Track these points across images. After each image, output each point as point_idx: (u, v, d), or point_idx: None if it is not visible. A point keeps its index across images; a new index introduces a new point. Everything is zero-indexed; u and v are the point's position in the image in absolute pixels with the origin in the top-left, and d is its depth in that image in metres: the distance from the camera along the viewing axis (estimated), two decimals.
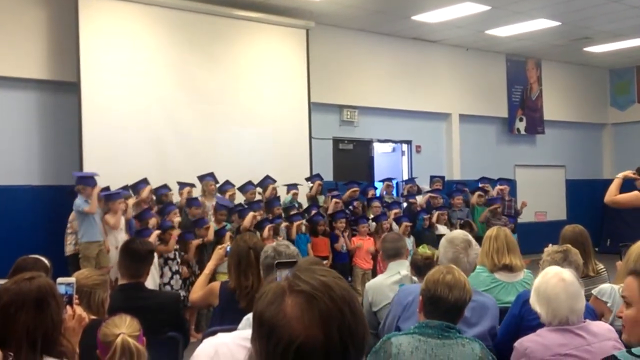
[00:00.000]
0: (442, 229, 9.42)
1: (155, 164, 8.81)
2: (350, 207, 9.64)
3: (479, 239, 3.98)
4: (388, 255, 4.70)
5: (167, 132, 9.14)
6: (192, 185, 8.61)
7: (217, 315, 3.77)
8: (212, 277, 4.64)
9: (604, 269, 4.36)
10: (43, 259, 3.61)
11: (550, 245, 3.87)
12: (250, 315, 1.82)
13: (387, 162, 12.69)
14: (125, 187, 8.00)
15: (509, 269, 4.11)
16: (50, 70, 8.61)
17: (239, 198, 8.98)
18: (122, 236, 7.41)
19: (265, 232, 7.85)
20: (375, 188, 10.58)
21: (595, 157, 15.75)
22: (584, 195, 14.65)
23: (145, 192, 8.00)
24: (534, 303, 2.84)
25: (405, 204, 10.39)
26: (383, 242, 4.90)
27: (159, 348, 3.17)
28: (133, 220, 7.78)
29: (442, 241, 3.57)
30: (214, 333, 2.42)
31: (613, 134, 15.95)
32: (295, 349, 1.15)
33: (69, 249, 7.61)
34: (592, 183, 14.99)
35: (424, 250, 4.16)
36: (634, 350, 2.12)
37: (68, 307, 2.53)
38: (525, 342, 2.80)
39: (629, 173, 5.54)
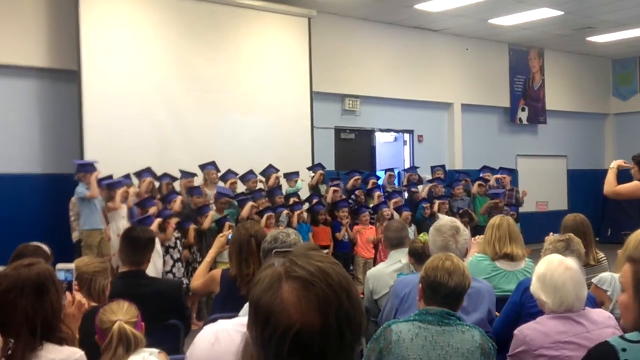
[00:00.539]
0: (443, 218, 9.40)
1: (157, 152, 8.81)
2: (353, 196, 9.64)
3: (479, 229, 3.97)
4: (391, 245, 4.72)
5: (168, 120, 9.13)
6: (194, 175, 8.61)
7: (219, 303, 3.77)
8: (213, 267, 4.65)
9: (605, 258, 4.36)
10: (44, 246, 3.63)
11: (552, 234, 3.86)
12: None
13: (389, 151, 12.68)
14: (127, 176, 8.01)
15: (510, 258, 4.11)
16: (51, 58, 8.59)
17: (241, 188, 8.98)
18: (123, 224, 7.43)
19: (263, 221, 7.83)
20: (378, 178, 10.57)
21: (597, 147, 15.71)
22: (586, 186, 14.63)
23: (144, 185, 8.00)
24: (538, 291, 2.83)
25: (406, 194, 10.39)
26: (386, 231, 4.91)
27: (160, 335, 3.17)
28: (135, 208, 7.79)
29: (431, 230, 3.57)
30: (215, 320, 2.42)
31: (615, 125, 15.90)
32: (293, 336, 1.14)
33: (74, 235, 7.65)
34: (594, 173, 14.94)
35: (426, 237, 4.15)
36: (627, 335, 2.13)
37: (68, 293, 2.53)
38: (525, 330, 2.81)
39: (621, 162, 5.54)
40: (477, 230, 8.86)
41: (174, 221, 7.54)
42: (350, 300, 1.19)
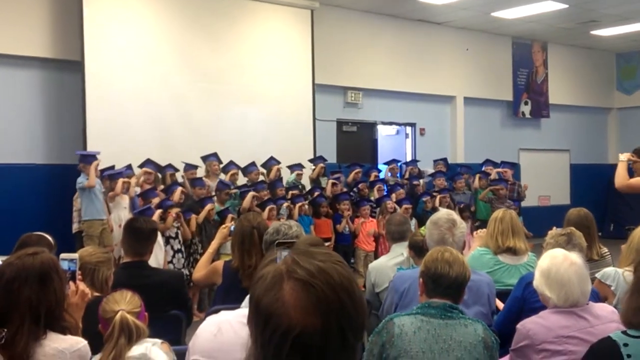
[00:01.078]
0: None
1: (159, 143, 8.81)
2: (355, 189, 9.64)
3: (480, 223, 3.97)
4: (393, 238, 4.73)
5: (171, 111, 9.12)
6: (197, 167, 8.61)
7: (220, 294, 3.78)
8: (216, 258, 4.66)
9: (608, 253, 4.35)
10: (47, 236, 3.63)
11: (554, 228, 3.85)
12: None
13: (391, 144, 12.67)
14: (129, 166, 8.01)
15: (512, 251, 4.11)
16: (54, 48, 8.57)
17: (243, 179, 8.98)
18: (125, 214, 7.44)
19: (266, 213, 7.84)
20: (379, 170, 10.56)
21: (600, 141, 15.67)
22: (588, 180, 14.61)
23: (139, 175, 7.98)
24: (542, 286, 2.82)
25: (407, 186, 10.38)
26: (388, 224, 4.92)
27: (162, 326, 3.17)
28: (136, 199, 7.80)
29: (427, 223, 3.56)
30: (217, 311, 2.42)
31: (619, 119, 15.86)
32: (293, 338, 1.14)
33: (74, 227, 7.67)
34: (597, 168, 14.95)
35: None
36: (628, 330, 2.14)
37: (71, 282, 2.53)
38: (527, 324, 2.80)
39: (629, 155, 5.50)
40: (479, 224, 8.88)
41: (174, 210, 7.53)
42: (352, 301, 1.18)
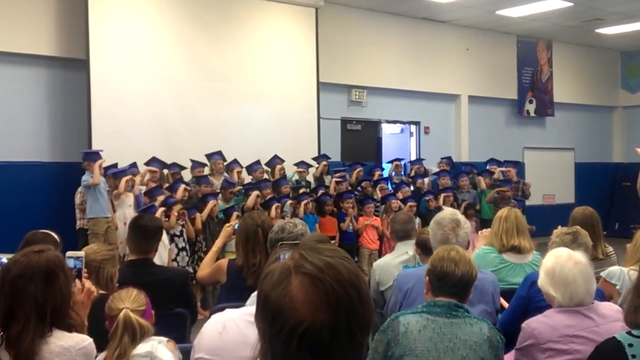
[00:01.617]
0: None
1: (163, 142, 8.82)
2: (359, 187, 9.63)
3: (485, 223, 3.96)
4: (398, 237, 4.73)
5: (176, 109, 9.13)
6: (204, 165, 8.62)
7: (225, 292, 3.78)
8: (220, 256, 4.66)
9: (614, 252, 4.34)
10: (52, 233, 3.63)
11: (560, 227, 3.85)
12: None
13: (395, 143, 12.65)
14: (134, 164, 8.02)
15: (517, 250, 4.10)
16: (59, 47, 8.59)
17: (247, 177, 8.98)
18: (130, 212, 7.45)
19: (272, 212, 7.86)
20: (382, 169, 10.56)
21: (605, 140, 15.63)
22: (593, 179, 14.58)
23: (144, 174, 8.00)
24: (547, 285, 2.81)
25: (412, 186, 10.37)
26: (393, 223, 4.91)
27: (167, 324, 3.18)
28: (141, 197, 7.81)
29: (431, 223, 3.55)
30: (221, 309, 2.43)
31: (623, 117, 15.81)
32: (301, 333, 1.14)
33: (78, 224, 7.69)
34: (602, 166, 14.91)
35: None
36: (633, 331, 2.14)
37: (77, 280, 2.54)
38: (532, 323, 2.79)
39: None
40: (484, 224, 8.85)
41: (177, 208, 7.54)
42: (359, 297, 1.18)
